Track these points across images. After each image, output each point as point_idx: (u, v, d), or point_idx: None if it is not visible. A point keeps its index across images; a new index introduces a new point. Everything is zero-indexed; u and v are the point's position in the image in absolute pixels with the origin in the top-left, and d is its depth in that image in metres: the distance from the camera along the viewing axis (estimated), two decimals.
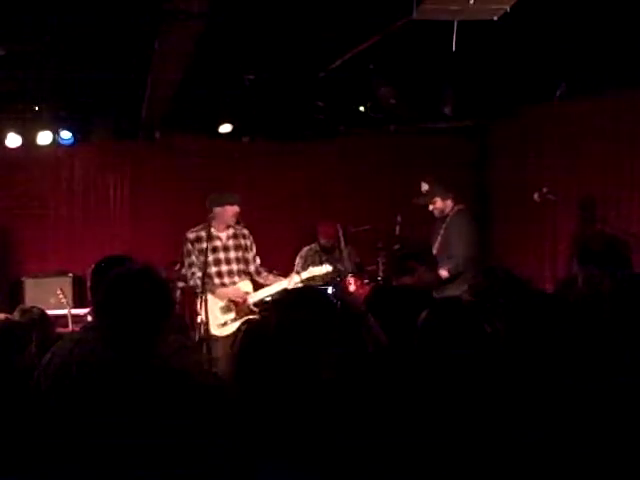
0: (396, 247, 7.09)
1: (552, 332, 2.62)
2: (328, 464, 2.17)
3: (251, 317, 5.98)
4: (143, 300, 2.57)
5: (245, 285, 6.27)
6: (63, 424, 2.50)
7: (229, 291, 6.17)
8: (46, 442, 2.51)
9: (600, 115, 6.95)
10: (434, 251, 6.44)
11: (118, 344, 2.54)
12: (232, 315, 6.15)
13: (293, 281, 6.27)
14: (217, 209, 6.21)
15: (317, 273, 6.48)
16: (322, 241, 7.67)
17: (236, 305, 6.16)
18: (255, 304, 6.21)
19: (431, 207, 6.59)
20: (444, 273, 6.19)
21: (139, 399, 2.37)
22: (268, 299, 6.22)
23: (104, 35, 5.83)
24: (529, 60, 6.57)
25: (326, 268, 6.53)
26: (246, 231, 6.38)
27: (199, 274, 6.05)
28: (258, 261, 6.41)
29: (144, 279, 2.62)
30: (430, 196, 6.58)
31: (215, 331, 6.01)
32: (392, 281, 6.65)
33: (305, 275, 6.39)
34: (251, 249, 6.36)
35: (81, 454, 2.37)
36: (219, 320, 6.09)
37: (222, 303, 6.18)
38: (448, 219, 6.50)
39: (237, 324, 6.07)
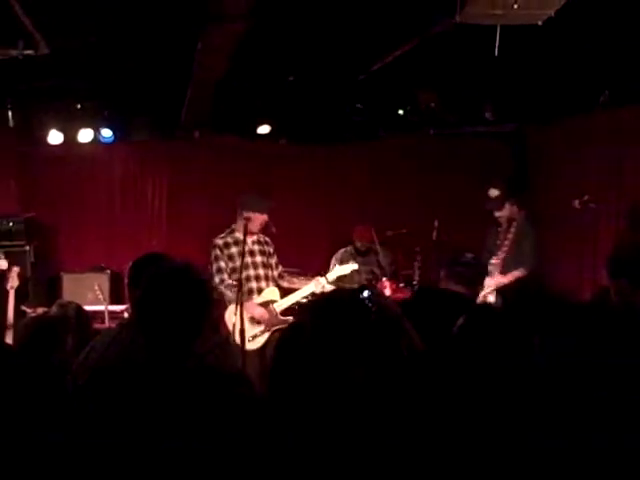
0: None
1: (583, 344, 2.58)
2: (360, 468, 2.15)
3: (281, 327, 5.90)
4: (183, 298, 2.57)
5: (272, 292, 6.17)
6: (97, 420, 2.52)
7: (254, 310, 6.02)
8: (80, 437, 2.53)
9: None
10: (500, 255, 6.23)
11: (155, 342, 2.54)
12: (261, 327, 6.03)
13: (320, 284, 6.16)
14: (247, 214, 6.11)
15: (343, 272, 6.38)
16: (357, 244, 7.66)
17: (265, 316, 6.03)
18: (283, 312, 6.10)
19: (498, 213, 6.45)
20: (518, 274, 6.10)
21: (172, 399, 2.38)
22: (303, 301, 6.17)
23: (147, 35, 5.88)
24: (573, 66, 6.49)
25: (351, 266, 6.44)
26: (267, 238, 6.33)
27: (229, 281, 5.98)
28: (280, 267, 6.36)
29: (184, 277, 2.62)
30: (501, 202, 6.45)
31: (246, 345, 5.83)
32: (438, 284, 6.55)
33: (331, 276, 6.29)
34: (272, 256, 6.30)
35: (113, 452, 2.39)
36: (248, 333, 5.90)
37: (246, 315, 5.97)
38: (516, 224, 6.32)
39: (267, 335, 5.99)
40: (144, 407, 2.41)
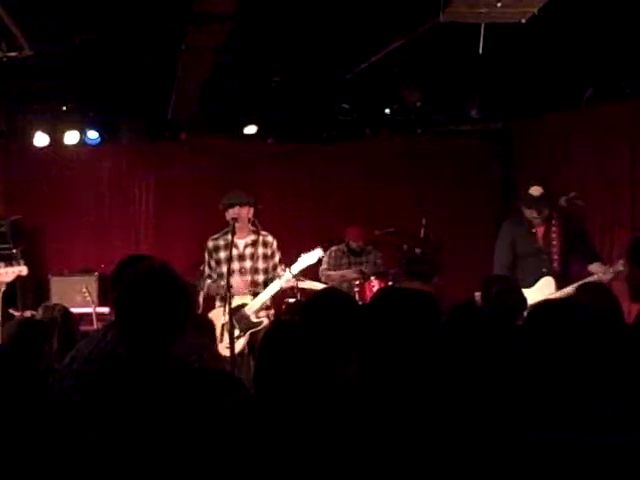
0: (417, 250, 6.82)
1: (564, 339, 2.61)
2: (343, 463, 2.16)
3: (256, 329, 5.71)
4: (158, 298, 2.57)
5: (242, 298, 5.85)
6: (83, 422, 2.51)
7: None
8: (64, 439, 2.52)
9: (629, 119, 6.87)
10: (555, 257, 5.87)
11: (133, 342, 2.54)
12: (236, 332, 5.69)
13: (286, 277, 5.80)
14: (226, 213, 5.88)
15: (309, 262, 5.93)
16: (353, 244, 7.67)
17: (238, 321, 5.70)
18: (256, 313, 5.84)
19: (536, 213, 5.89)
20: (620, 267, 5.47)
21: (154, 399, 2.37)
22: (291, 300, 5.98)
23: (132, 36, 5.87)
24: (557, 63, 6.52)
25: (317, 253, 5.94)
26: (270, 238, 6.00)
27: (208, 281, 5.89)
28: (279, 270, 5.98)
29: (160, 278, 2.62)
30: (546, 200, 5.92)
31: (224, 352, 5.48)
32: (401, 282, 6.34)
33: (296, 268, 5.84)
34: (272, 257, 5.98)
35: (97, 452, 2.38)
36: (225, 341, 5.54)
37: (223, 320, 5.69)
38: (556, 219, 5.93)
39: (243, 340, 5.72)
40: (126, 408, 2.40)
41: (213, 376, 2.39)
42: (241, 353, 5.70)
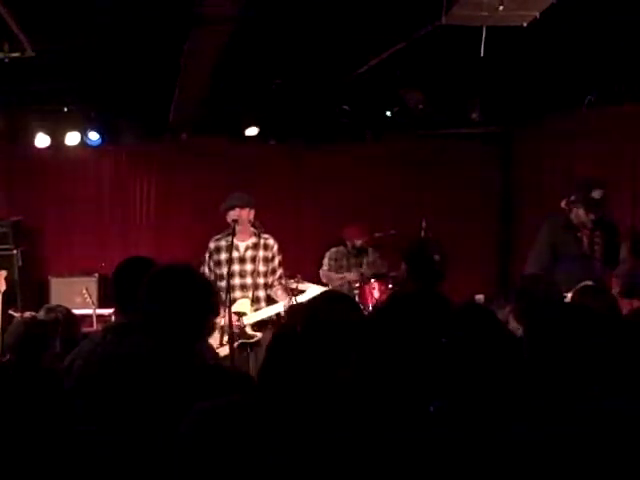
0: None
1: (571, 341, 2.61)
2: (338, 461, 2.17)
3: (248, 341, 5.67)
4: (188, 297, 2.58)
5: (243, 304, 5.82)
6: (88, 423, 2.52)
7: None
8: (70, 439, 2.53)
9: (630, 123, 6.88)
10: (597, 263, 5.76)
11: (161, 340, 2.54)
12: (225, 337, 5.64)
13: (287, 305, 5.73)
14: (227, 215, 5.87)
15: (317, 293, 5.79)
16: (357, 243, 7.66)
17: (229, 327, 5.59)
18: (252, 326, 5.77)
19: (594, 216, 5.74)
20: None
21: (177, 396, 2.38)
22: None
23: (134, 37, 5.87)
24: (558, 67, 6.53)
25: (321, 288, 5.95)
26: (271, 241, 5.96)
27: None
28: (278, 274, 5.98)
29: (187, 276, 2.64)
30: (605, 203, 5.81)
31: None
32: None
33: (303, 299, 5.73)
34: (272, 260, 5.94)
35: (98, 453, 2.39)
36: (214, 341, 5.40)
37: (222, 322, 5.62)
38: (603, 226, 5.84)
39: (227, 348, 5.59)
40: (131, 409, 2.41)
41: (229, 375, 2.42)
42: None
